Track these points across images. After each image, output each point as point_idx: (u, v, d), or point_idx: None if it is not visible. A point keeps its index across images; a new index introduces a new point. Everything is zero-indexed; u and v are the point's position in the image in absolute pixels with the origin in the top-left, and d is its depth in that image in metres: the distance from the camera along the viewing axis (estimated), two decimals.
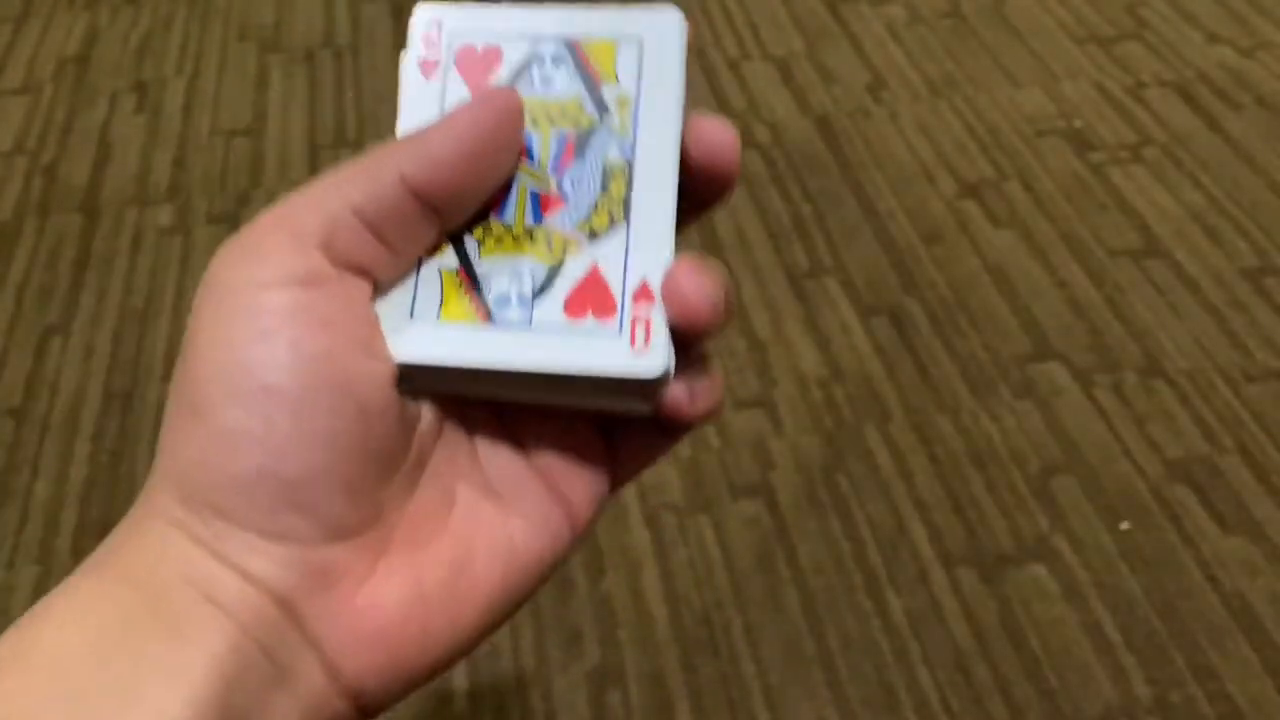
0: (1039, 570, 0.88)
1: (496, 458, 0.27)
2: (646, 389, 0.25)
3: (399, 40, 1.48)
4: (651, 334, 0.24)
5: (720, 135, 0.26)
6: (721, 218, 1.20)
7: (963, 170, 1.25)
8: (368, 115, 1.37)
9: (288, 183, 1.28)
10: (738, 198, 1.22)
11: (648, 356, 0.24)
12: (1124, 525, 0.91)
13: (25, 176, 1.31)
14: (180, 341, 1.08)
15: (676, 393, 0.25)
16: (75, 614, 0.21)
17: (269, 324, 0.22)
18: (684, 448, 0.98)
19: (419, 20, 0.27)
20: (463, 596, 0.25)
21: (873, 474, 0.96)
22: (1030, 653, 0.83)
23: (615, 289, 0.25)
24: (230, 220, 1.24)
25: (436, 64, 0.27)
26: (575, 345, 0.25)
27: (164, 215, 1.25)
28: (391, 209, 0.24)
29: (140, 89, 1.43)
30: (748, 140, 1.30)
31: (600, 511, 0.28)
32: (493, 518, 0.26)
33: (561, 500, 0.27)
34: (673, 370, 0.25)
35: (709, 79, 1.39)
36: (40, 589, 0.90)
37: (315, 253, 0.23)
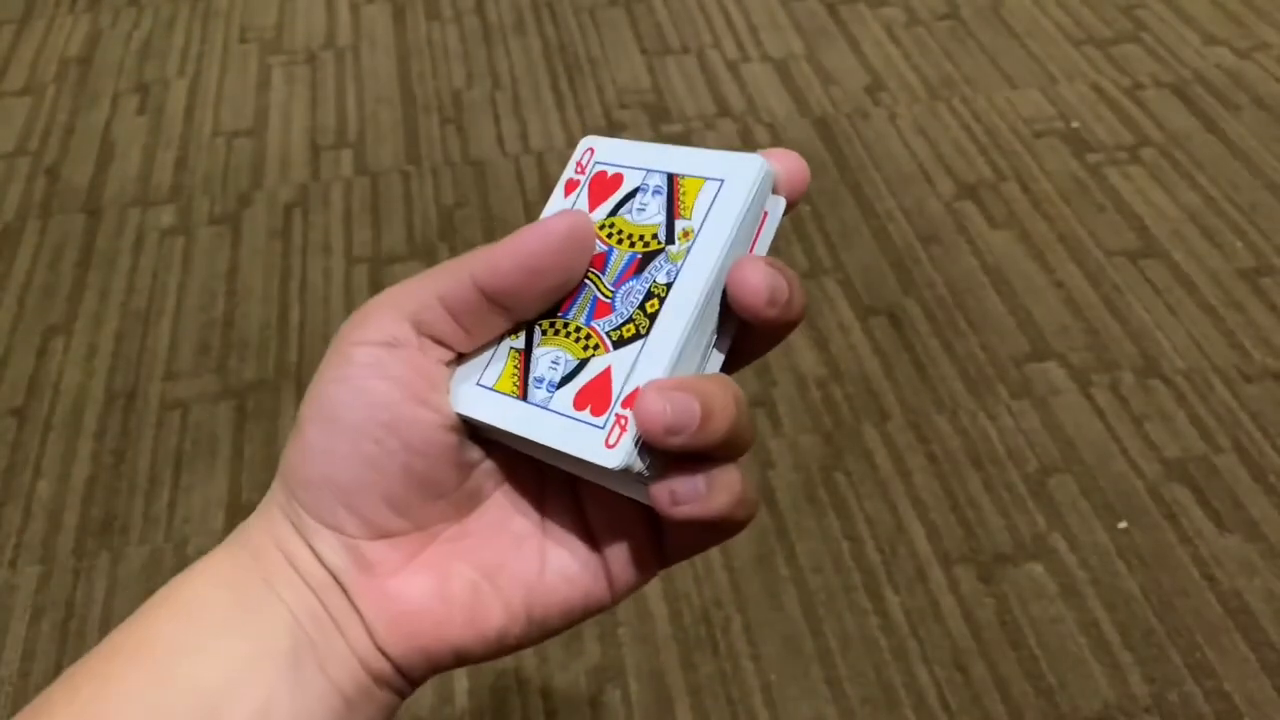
0: (1036, 569, 0.89)
1: (557, 509, 0.32)
2: (628, 478, 0.29)
3: (399, 42, 1.49)
4: (624, 433, 0.28)
5: (752, 277, 0.28)
6: None
7: (961, 171, 1.25)
8: (368, 116, 1.37)
9: (289, 183, 1.29)
10: None
11: (613, 452, 0.28)
12: (1121, 524, 0.91)
13: (28, 177, 1.31)
14: (181, 341, 1.08)
15: (657, 491, 0.28)
16: (207, 568, 0.29)
17: (349, 372, 0.29)
18: None
19: (580, 147, 0.33)
20: (482, 605, 0.30)
21: (871, 473, 0.96)
22: (1028, 651, 0.84)
23: (615, 391, 0.29)
24: (232, 221, 1.24)
25: (577, 185, 0.33)
26: (568, 429, 0.29)
27: (166, 216, 1.25)
28: (464, 300, 0.30)
29: (142, 90, 1.43)
30: (748, 142, 1.31)
31: (643, 583, 0.32)
32: (531, 551, 0.31)
33: (603, 561, 0.31)
34: (641, 469, 0.28)
35: (709, 81, 1.40)
36: (42, 588, 0.90)
37: (405, 324, 0.30)
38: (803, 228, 1.19)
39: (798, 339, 1.08)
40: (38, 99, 1.42)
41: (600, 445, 0.28)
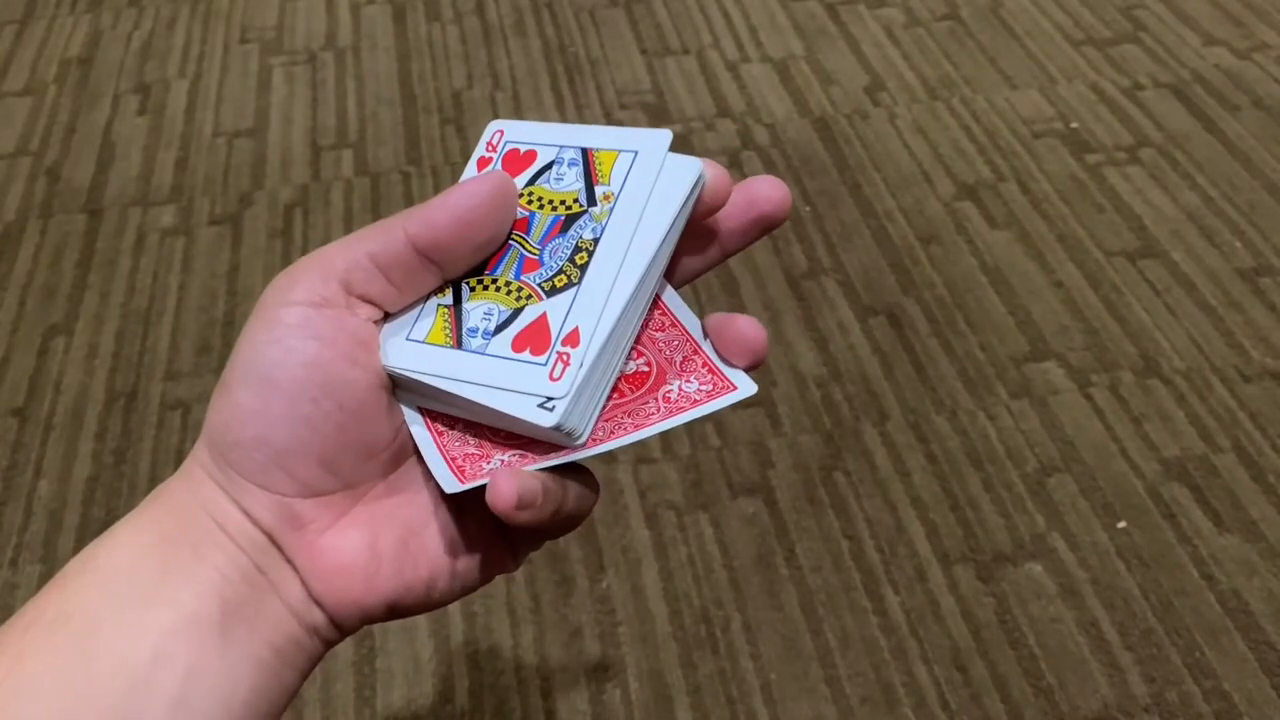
0: (1036, 569, 0.89)
1: None
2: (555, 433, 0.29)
3: (400, 42, 1.49)
4: (568, 368, 0.29)
5: (504, 487, 0.28)
6: None
7: (960, 171, 1.25)
8: (369, 117, 1.37)
9: (289, 184, 1.29)
10: None
11: (558, 384, 0.29)
12: (1121, 524, 0.91)
13: (29, 178, 1.31)
14: (182, 341, 1.08)
15: (502, 486, 0.28)
16: (130, 533, 0.29)
17: (279, 333, 0.29)
18: (684, 446, 0.99)
19: (489, 129, 0.35)
20: (410, 558, 0.31)
21: (871, 473, 0.96)
22: (1027, 650, 0.84)
23: (554, 331, 0.30)
24: (232, 221, 1.24)
25: (490, 161, 0.34)
26: (508, 369, 0.30)
27: (166, 216, 1.25)
28: (396, 256, 0.31)
29: (143, 90, 1.44)
30: (747, 142, 1.31)
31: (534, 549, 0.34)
32: (450, 506, 0.32)
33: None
34: (571, 426, 0.29)
35: (709, 81, 1.40)
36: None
37: (334, 283, 0.30)
38: (802, 228, 1.19)
39: (798, 339, 1.08)
40: (38, 99, 1.43)
41: (545, 380, 0.29)
